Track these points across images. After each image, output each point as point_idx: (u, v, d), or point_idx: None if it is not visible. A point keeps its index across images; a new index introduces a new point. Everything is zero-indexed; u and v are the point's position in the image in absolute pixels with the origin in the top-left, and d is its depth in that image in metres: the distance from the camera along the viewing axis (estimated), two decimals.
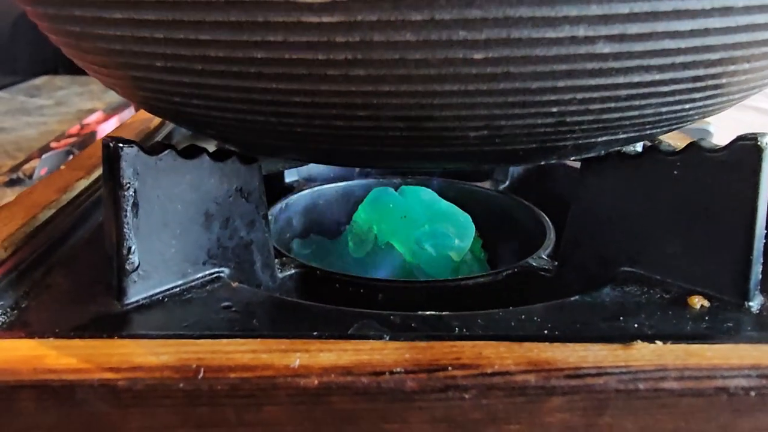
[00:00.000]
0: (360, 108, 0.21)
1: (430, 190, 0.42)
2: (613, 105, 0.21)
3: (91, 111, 1.05)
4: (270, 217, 0.39)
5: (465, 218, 0.40)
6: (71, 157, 0.78)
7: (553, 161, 0.26)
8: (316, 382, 0.19)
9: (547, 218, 0.39)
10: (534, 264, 0.33)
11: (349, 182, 0.45)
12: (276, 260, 0.33)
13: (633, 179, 0.28)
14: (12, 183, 0.70)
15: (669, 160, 0.27)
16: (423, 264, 0.39)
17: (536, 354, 0.20)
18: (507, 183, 0.45)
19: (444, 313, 0.25)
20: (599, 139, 0.24)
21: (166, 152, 0.26)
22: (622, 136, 0.24)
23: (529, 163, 0.27)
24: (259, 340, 0.21)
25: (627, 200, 0.29)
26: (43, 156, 0.75)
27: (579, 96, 0.20)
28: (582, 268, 0.31)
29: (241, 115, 0.23)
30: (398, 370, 0.20)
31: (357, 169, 0.49)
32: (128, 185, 0.25)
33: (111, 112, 1.04)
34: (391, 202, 0.41)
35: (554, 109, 0.21)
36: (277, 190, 0.44)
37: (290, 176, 0.45)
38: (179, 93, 0.23)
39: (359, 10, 0.18)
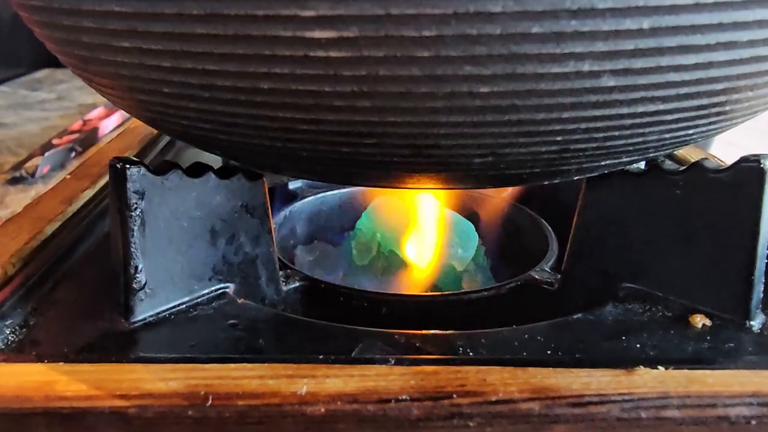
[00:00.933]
0: (365, 136, 0.21)
1: (432, 197, 0.43)
2: (617, 133, 0.21)
3: (93, 106, 1.05)
4: (274, 225, 0.40)
5: (468, 226, 0.40)
6: (73, 154, 0.78)
7: (556, 181, 0.26)
8: (322, 410, 0.20)
9: (549, 228, 0.39)
10: (537, 277, 0.33)
11: (353, 189, 0.45)
12: (281, 273, 0.33)
13: (636, 196, 0.29)
14: (15, 181, 0.70)
15: (672, 179, 0.27)
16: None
17: (540, 380, 0.21)
18: (509, 191, 0.46)
19: (448, 332, 0.26)
20: (603, 163, 0.24)
21: (172, 172, 0.26)
22: (625, 159, 0.24)
23: (532, 183, 0.27)
24: (266, 365, 0.21)
25: (630, 216, 0.29)
26: (46, 154, 0.75)
27: (583, 126, 0.20)
28: (584, 283, 0.31)
29: (247, 139, 0.23)
30: (404, 397, 0.20)
31: None
32: (135, 206, 0.25)
33: (112, 107, 1.03)
34: (395, 210, 0.41)
35: (559, 138, 0.21)
36: (281, 196, 0.44)
37: (294, 183, 0.45)
38: (186, 117, 0.23)
39: (366, 46, 0.18)
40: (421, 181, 0.24)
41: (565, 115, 0.20)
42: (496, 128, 0.20)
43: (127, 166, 0.25)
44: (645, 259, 0.29)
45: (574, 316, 0.27)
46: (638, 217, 0.29)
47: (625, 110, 0.20)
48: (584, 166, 0.24)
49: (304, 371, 0.21)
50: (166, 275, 0.27)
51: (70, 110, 1.12)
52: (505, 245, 0.42)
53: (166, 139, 0.51)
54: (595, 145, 0.22)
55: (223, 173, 0.28)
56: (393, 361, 0.22)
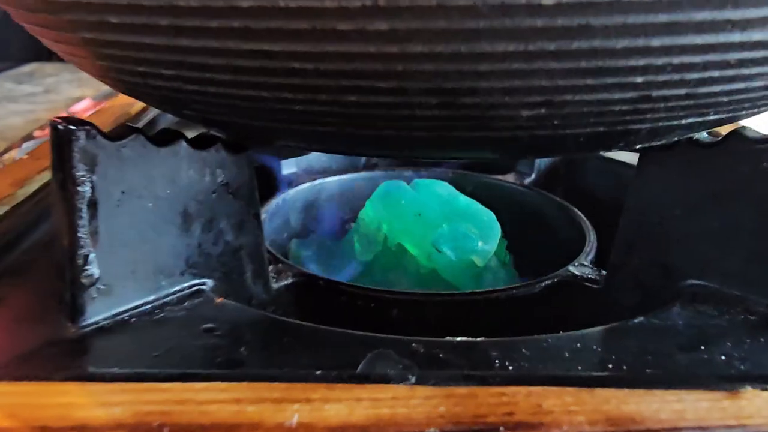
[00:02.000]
0: (380, 77, 0.15)
1: (447, 183, 0.37)
2: (717, 74, 0.16)
3: (81, 99, 1.00)
4: (264, 215, 0.34)
5: (489, 216, 0.35)
6: None
7: (616, 149, 0.21)
8: None
9: (584, 218, 0.34)
10: (576, 273, 0.28)
11: (355, 175, 0.40)
12: (270, 267, 0.28)
13: (705, 172, 0.23)
14: None
15: (756, 149, 0.22)
16: (440, 269, 0.34)
17: (616, 407, 0.15)
18: (533, 176, 0.40)
19: (479, 339, 0.20)
20: (683, 122, 0.18)
21: (132, 137, 0.21)
22: (712, 117, 0.19)
23: (584, 152, 0.21)
24: (245, 384, 0.16)
25: (696, 197, 0.24)
26: (23, 145, 0.70)
27: (676, 61, 0.15)
28: (637, 280, 0.25)
29: (224, 89, 0.18)
30: (432, 431, 0.15)
31: (363, 160, 0.44)
32: (83, 179, 0.20)
33: (100, 99, 0.98)
34: (404, 198, 0.36)
35: (639, 79, 0.15)
36: (273, 183, 0.39)
37: (288, 168, 0.39)
38: (144, 61, 0.18)
39: None
40: (448, 146, 0.19)
41: (656, 42, 0.14)
42: (558, 62, 0.15)
43: (73, 127, 0.20)
44: (716, 250, 0.23)
45: (635, 320, 0.22)
46: (707, 197, 0.23)
47: (737, 37, 0.14)
48: (660, 125, 0.18)
49: (295, 393, 0.16)
50: (126, 268, 0.22)
51: (57, 103, 1.06)
52: (531, 238, 0.37)
53: (146, 119, 0.45)
54: (683, 91, 0.16)
55: (198, 143, 0.23)
56: (414, 379, 0.17)
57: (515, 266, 0.36)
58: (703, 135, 0.24)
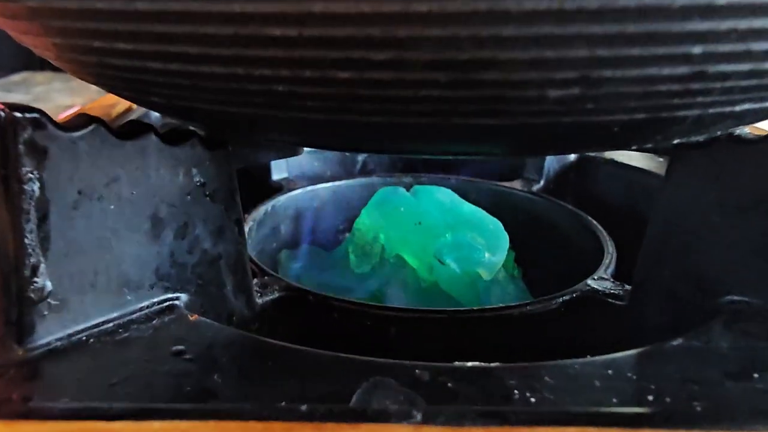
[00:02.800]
0: (376, 46, 0.13)
1: (449, 190, 0.34)
2: None
3: (71, 107, 0.98)
4: (251, 223, 0.31)
5: (495, 225, 0.32)
6: None
7: (650, 145, 0.18)
8: None
9: (600, 227, 0.31)
10: (598, 287, 0.25)
11: (350, 181, 0.37)
12: (255, 280, 0.25)
13: (747, 172, 0.20)
14: None
15: None
16: (443, 283, 0.31)
17: None
18: (542, 183, 0.37)
19: (493, 365, 0.17)
20: (737, 108, 0.16)
21: (90, 128, 0.18)
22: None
23: (613, 147, 0.19)
24: (212, 423, 0.13)
25: (736, 201, 0.21)
26: None
27: (743, 25, 0.12)
28: (668, 296, 0.22)
29: (191, 66, 0.15)
30: None
31: (359, 165, 0.41)
32: (30, 175, 0.17)
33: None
34: (402, 205, 0.33)
35: (697, 50, 0.13)
36: (261, 190, 0.36)
37: (278, 173, 0.37)
38: (97, 33, 0.15)
39: None
40: (456, 138, 0.16)
41: (721, 1, 0.12)
42: (600, 26, 0.12)
43: (18, 114, 0.17)
44: (760, 262, 0.21)
45: (672, 343, 0.19)
46: (750, 202, 0.21)
47: None
48: (709, 112, 0.15)
49: None
50: (83, 281, 0.19)
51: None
52: (542, 250, 0.34)
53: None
54: (747, 67, 0.13)
55: (170, 137, 0.20)
56: (420, 416, 0.14)
57: (525, 281, 0.33)
58: (744, 131, 0.21)
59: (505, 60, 0.13)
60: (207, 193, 0.21)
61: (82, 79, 0.20)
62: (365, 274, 0.33)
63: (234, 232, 0.22)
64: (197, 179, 0.21)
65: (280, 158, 0.33)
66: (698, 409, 0.15)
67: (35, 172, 0.17)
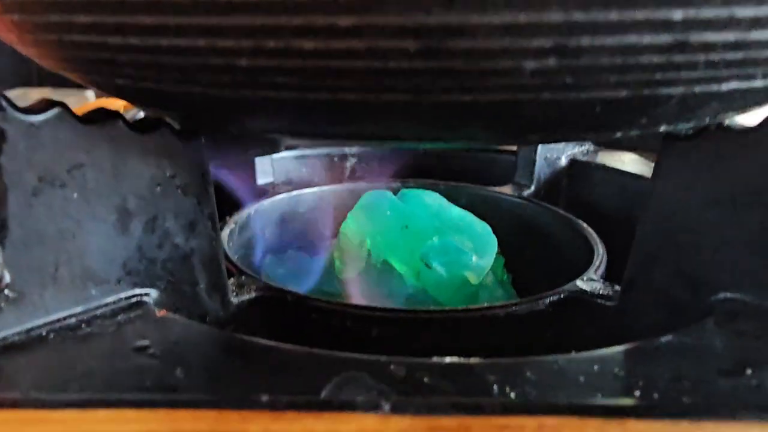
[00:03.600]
0: (340, 11, 0.12)
1: (437, 194, 0.34)
2: None
3: None
4: (233, 225, 0.31)
5: (484, 229, 0.31)
6: None
7: (635, 132, 0.17)
8: None
9: (591, 230, 0.30)
10: (586, 288, 0.24)
11: (336, 186, 0.36)
12: (231, 280, 0.24)
13: (739, 165, 0.20)
14: None
15: None
16: (430, 288, 0.30)
17: None
18: (532, 188, 0.37)
19: (472, 360, 0.16)
20: (723, 87, 0.15)
21: (52, 112, 0.17)
22: (759, 83, 0.15)
23: (598, 132, 0.18)
24: (163, 411, 0.12)
25: (728, 196, 0.20)
26: None
27: None
28: (659, 295, 0.22)
29: (148, 40, 0.14)
30: None
31: (347, 172, 0.40)
32: None
33: None
34: (389, 209, 0.32)
35: (678, 15, 0.12)
36: (244, 194, 0.35)
37: (263, 177, 0.36)
38: (54, 6, 0.14)
39: None
40: (429, 117, 0.15)
41: None
42: None
43: None
44: (754, 258, 0.20)
45: (662, 339, 0.18)
46: (743, 197, 0.20)
47: None
48: (694, 91, 0.15)
49: (229, 424, 0.12)
50: (43, 273, 0.18)
51: None
52: (532, 255, 0.33)
53: None
54: (731, 37, 0.13)
55: (139, 126, 0.19)
56: (389, 406, 0.13)
57: (515, 286, 0.33)
58: (735, 121, 0.20)
59: (476, 25, 0.12)
60: (178, 185, 0.20)
61: (49, 66, 0.20)
62: (351, 280, 0.33)
63: (207, 228, 0.21)
64: (167, 170, 0.20)
65: (260, 155, 0.33)
66: (687, 401, 0.14)
67: None
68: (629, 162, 0.37)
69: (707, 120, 0.18)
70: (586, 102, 0.15)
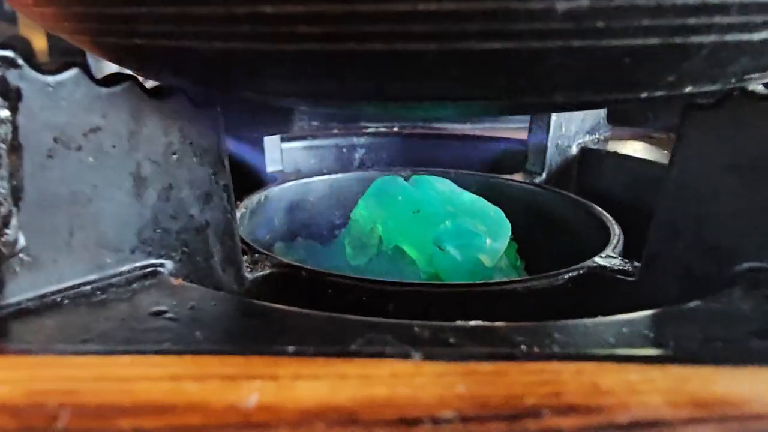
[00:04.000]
0: None
1: (448, 180, 0.33)
2: None
3: None
4: (244, 210, 0.30)
5: (497, 213, 0.31)
6: None
7: (660, 93, 0.17)
8: None
9: (606, 213, 0.30)
10: (606, 264, 0.24)
11: (346, 174, 0.36)
12: (245, 257, 0.23)
13: (762, 133, 0.19)
14: None
15: None
16: (443, 273, 0.30)
17: (702, 387, 0.11)
18: (544, 176, 0.36)
19: (498, 323, 0.16)
20: (755, 36, 0.15)
21: (71, 72, 0.17)
22: None
23: (627, 91, 0.17)
24: (188, 357, 0.12)
25: (752, 163, 0.20)
26: None
27: None
28: (682, 267, 0.21)
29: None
30: (447, 415, 0.10)
31: (356, 162, 0.40)
32: (2, 117, 0.16)
33: None
34: (401, 194, 0.32)
35: None
36: (255, 183, 0.35)
37: (272, 165, 0.35)
38: None
39: None
40: (461, 69, 0.15)
41: None
42: None
43: None
44: None
45: (690, 305, 0.17)
46: (765, 163, 0.19)
47: None
48: (725, 40, 0.14)
49: (256, 368, 0.11)
50: (58, 238, 0.17)
51: None
52: (546, 242, 0.33)
53: None
54: None
55: (155, 92, 0.19)
56: (420, 355, 0.12)
57: (528, 273, 0.32)
58: (759, 87, 0.20)
59: None
60: (194, 154, 0.20)
61: (63, 31, 0.19)
62: (362, 266, 0.32)
63: (223, 199, 0.21)
64: (184, 138, 0.20)
65: (273, 133, 0.32)
66: (727, 353, 0.14)
67: (8, 115, 0.16)
68: (640, 150, 0.36)
69: (733, 81, 0.18)
70: (616, 50, 0.14)
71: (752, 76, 0.18)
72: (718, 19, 0.14)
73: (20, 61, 0.16)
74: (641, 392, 0.11)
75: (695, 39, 0.14)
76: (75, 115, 0.17)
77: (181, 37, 0.16)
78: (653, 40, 0.14)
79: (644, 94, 0.17)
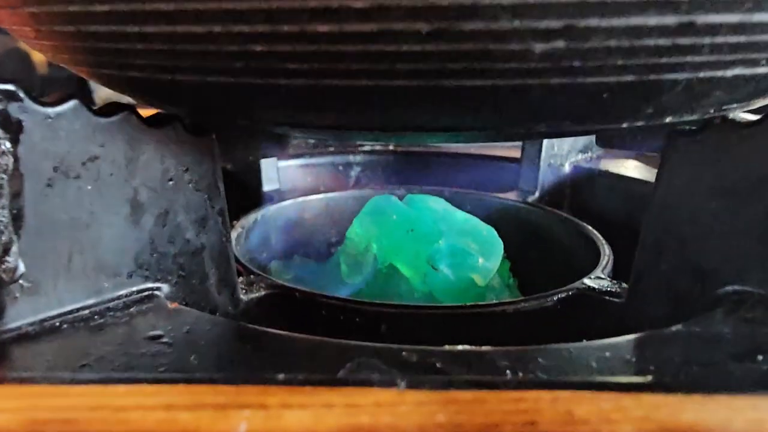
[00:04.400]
0: None
1: (442, 199, 0.34)
2: None
3: None
4: (240, 230, 0.31)
5: (489, 232, 0.31)
6: None
7: (640, 123, 0.18)
8: None
9: (597, 234, 0.30)
10: (594, 286, 0.24)
11: (342, 193, 0.36)
12: (240, 279, 0.24)
13: (744, 158, 0.20)
14: None
15: None
16: (437, 291, 0.30)
17: (671, 415, 0.11)
18: (537, 194, 0.37)
19: (485, 348, 0.16)
20: (728, 73, 0.15)
21: (69, 104, 0.18)
22: (762, 69, 0.15)
23: (607, 122, 0.18)
24: (181, 386, 0.12)
25: (734, 188, 0.20)
26: None
27: None
28: (666, 289, 0.22)
29: (165, 27, 0.14)
30: None
31: (352, 180, 0.41)
32: (4, 149, 0.16)
33: None
34: (395, 213, 0.32)
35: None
36: (253, 202, 0.35)
37: (269, 184, 0.36)
38: None
39: None
40: (437, 102, 0.16)
41: None
42: None
43: None
44: (759, 249, 0.20)
45: (672, 329, 0.18)
46: (748, 188, 0.20)
47: None
48: (699, 76, 0.15)
49: (247, 397, 0.12)
50: (57, 264, 0.18)
51: None
52: (538, 260, 0.33)
53: None
54: (736, 18, 0.13)
55: (152, 120, 0.20)
56: (404, 383, 0.13)
57: (520, 291, 0.33)
58: (739, 115, 0.20)
59: (486, 6, 0.12)
60: (189, 180, 0.21)
61: (62, 62, 0.20)
62: (357, 284, 0.33)
63: (218, 223, 0.22)
64: (179, 165, 0.20)
65: (268, 157, 0.33)
66: (700, 379, 0.14)
67: (9, 146, 0.17)
68: (632, 168, 0.37)
69: (712, 111, 0.18)
70: (593, 87, 0.15)
71: (730, 106, 0.18)
72: (690, 59, 0.14)
73: (21, 94, 0.17)
74: (613, 421, 0.11)
75: (669, 76, 0.15)
76: (74, 144, 0.18)
77: (174, 71, 0.16)
78: (628, 77, 0.15)
79: (625, 124, 0.18)
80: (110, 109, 0.19)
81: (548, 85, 0.15)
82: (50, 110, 0.17)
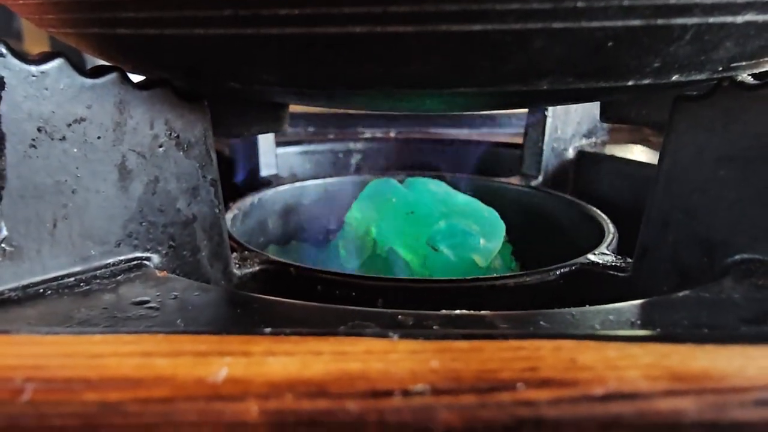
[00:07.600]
0: None
1: (442, 182, 0.33)
2: None
3: None
4: (237, 212, 0.30)
5: (491, 213, 0.30)
6: None
7: (647, 81, 0.17)
8: (256, 411, 0.10)
9: (600, 213, 0.29)
10: (598, 261, 0.23)
11: (340, 178, 0.36)
12: (234, 254, 0.23)
13: (752, 121, 0.19)
14: None
15: None
16: (437, 274, 0.30)
17: (680, 362, 0.11)
18: (540, 179, 0.36)
19: (484, 312, 0.16)
20: (739, 18, 0.14)
21: (55, 62, 0.17)
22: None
23: (613, 79, 0.17)
24: (161, 335, 0.11)
25: (743, 154, 0.20)
26: None
27: None
28: (674, 261, 0.21)
29: None
30: (419, 388, 0.10)
31: (352, 168, 0.40)
32: None
33: None
34: (394, 196, 0.32)
35: None
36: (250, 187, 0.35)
37: (267, 169, 0.35)
38: None
39: None
40: (441, 53, 0.15)
41: None
42: None
43: None
44: None
45: (680, 294, 0.17)
46: (757, 153, 0.19)
47: None
48: (709, 22, 0.14)
49: (229, 345, 0.11)
50: (41, 229, 0.17)
51: None
52: (541, 244, 0.32)
53: None
54: None
55: (142, 83, 0.19)
56: (397, 335, 0.12)
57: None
58: (747, 77, 0.20)
59: None
60: (180, 147, 0.20)
61: (49, 25, 0.19)
62: (357, 269, 0.32)
63: (210, 194, 0.21)
64: (170, 130, 0.20)
65: (263, 132, 0.32)
66: (713, 334, 0.14)
67: None
68: (638, 153, 0.36)
69: (720, 69, 0.18)
70: (598, 34, 0.14)
71: (740, 64, 0.18)
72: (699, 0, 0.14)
73: (3, 50, 0.16)
74: (619, 367, 0.10)
75: (678, 20, 0.14)
76: (59, 105, 0.17)
77: (163, 24, 0.16)
78: (635, 22, 0.14)
79: (631, 82, 0.17)
80: (99, 69, 0.18)
81: (551, 30, 0.14)
82: (34, 68, 0.17)
